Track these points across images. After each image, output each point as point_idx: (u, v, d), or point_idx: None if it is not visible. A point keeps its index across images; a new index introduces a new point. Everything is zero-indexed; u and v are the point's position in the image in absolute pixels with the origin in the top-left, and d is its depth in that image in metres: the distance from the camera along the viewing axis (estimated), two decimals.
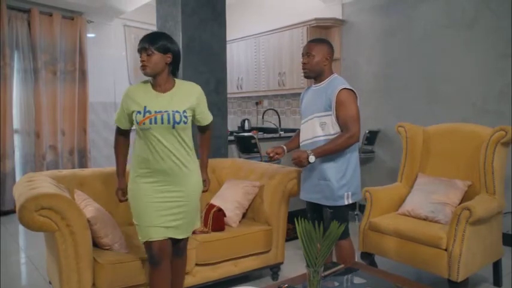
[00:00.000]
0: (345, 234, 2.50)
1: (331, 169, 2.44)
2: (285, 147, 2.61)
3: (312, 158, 2.33)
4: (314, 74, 2.52)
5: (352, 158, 2.48)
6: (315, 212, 2.61)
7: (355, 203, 4.70)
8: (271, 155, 2.53)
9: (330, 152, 2.39)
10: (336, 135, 2.40)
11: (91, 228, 2.24)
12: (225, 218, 2.80)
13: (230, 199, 2.92)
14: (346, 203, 2.46)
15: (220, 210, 2.78)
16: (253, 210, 3.03)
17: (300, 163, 2.35)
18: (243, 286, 2.15)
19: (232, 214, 2.85)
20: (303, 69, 2.53)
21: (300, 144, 2.61)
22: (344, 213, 2.49)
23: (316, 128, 2.47)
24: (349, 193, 2.46)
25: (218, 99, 3.80)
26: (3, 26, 4.89)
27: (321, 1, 5.19)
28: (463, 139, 3.01)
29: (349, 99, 2.39)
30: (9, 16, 5.00)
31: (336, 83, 2.45)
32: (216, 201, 2.96)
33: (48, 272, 2.60)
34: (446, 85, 4.13)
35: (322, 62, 2.48)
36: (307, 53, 2.50)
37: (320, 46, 2.49)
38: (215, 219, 2.74)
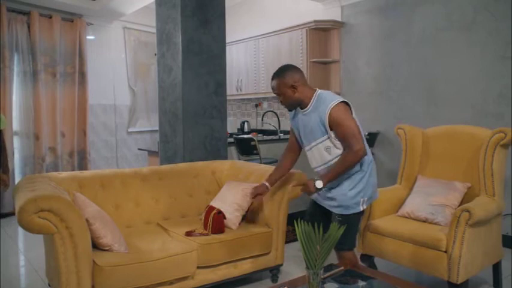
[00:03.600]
0: (350, 245, 2.38)
1: (343, 182, 2.34)
2: (267, 184, 2.61)
3: (318, 183, 2.27)
4: (295, 106, 2.41)
5: (370, 163, 2.37)
6: (324, 216, 2.43)
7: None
8: (253, 196, 2.61)
9: (338, 175, 2.29)
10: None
11: (90, 228, 2.23)
12: (224, 220, 2.80)
13: (230, 201, 2.92)
14: (361, 209, 2.34)
15: (220, 212, 2.78)
16: (253, 213, 3.02)
17: (307, 189, 2.33)
18: None
19: (231, 216, 2.85)
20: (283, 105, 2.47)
21: (314, 170, 2.48)
22: (353, 221, 2.35)
23: (323, 153, 2.35)
24: (365, 198, 2.35)
25: (218, 101, 3.80)
26: (3, 28, 4.89)
27: (320, 3, 5.20)
28: (462, 141, 3.02)
29: (341, 115, 2.22)
30: (9, 18, 5.01)
31: (323, 102, 2.29)
32: (215, 203, 2.96)
33: (48, 275, 2.59)
34: (445, 87, 4.14)
35: (292, 95, 2.33)
36: (276, 93, 2.40)
37: (280, 81, 2.33)
38: (215, 222, 2.74)
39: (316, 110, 2.31)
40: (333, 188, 2.36)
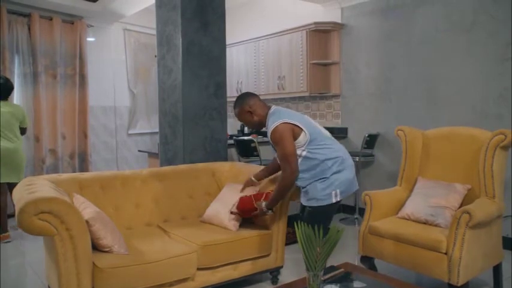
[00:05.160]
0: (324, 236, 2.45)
1: (311, 181, 2.48)
2: (252, 178, 2.90)
3: (269, 211, 2.64)
4: (259, 127, 2.67)
5: (334, 163, 2.46)
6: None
7: (355, 206, 4.71)
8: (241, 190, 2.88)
9: (278, 198, 2.58)
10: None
11: (90, 230, 2.23)
12: (232, 215, 2.82)
13: (230, 203, 2.92)
14: (334, 200, 2.44)
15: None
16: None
17: (261, 214, 2.68)
18: None
19: (232, 218, 2.85)
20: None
21: None
22: (325, 212, 2.44)
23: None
24: (337, 191, 2.44)
25: (218, 103, 3.80)
26: (3, 30, 4.90)
27: (320, 5, 5.21)
28: (462, 143, 3.02)
29: (277, 138, 2.43)
30: (9, 20, 5.01)
31: (268, 122, 2.52)
32: (215, 205, 2.96)
33: (47, 277, 2.59)
34: (445, 89, 4.14)
35: (251, 119, 2.63)
36: (239, 120, 2.72)
37: (238, 109, 2.65)
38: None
39: (267, 130, 2.54)
40: (308, 185, 2.50)
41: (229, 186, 3.13)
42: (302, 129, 2.44)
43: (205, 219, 2.98)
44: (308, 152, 2.45)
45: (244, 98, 2.67)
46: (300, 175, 2.50)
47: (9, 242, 4.05)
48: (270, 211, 2.66)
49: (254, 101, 2.64)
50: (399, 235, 2.70)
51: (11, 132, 4.09)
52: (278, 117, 2.46)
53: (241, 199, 2.80)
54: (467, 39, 3.95)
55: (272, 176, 2.94)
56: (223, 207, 2.88)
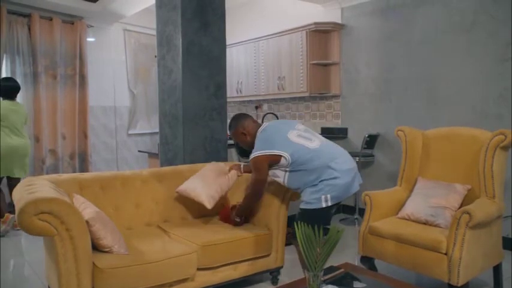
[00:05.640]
0: None
1: (305, 186, 2.57)
2: (241, 164, 3.10)
3: (237, 220, 2.87)
4: (251, 147, 2.73)
5: (322, 172, 2.50)
6: None
7: (355, 206, 4.71)
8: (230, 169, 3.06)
9: (243, 211, 2.84)
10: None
11: (90, 230, 2.22)
12: (210, 194, 2.88)
13: (211, 183, 2.93)
14: (324, 205, 2.47)
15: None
16: (253, 215, 3.02)
17: (235, 224, 2.88)
18: None
19: (211, 197, 2.86)
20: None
21: None
22: (315, 216, 2.43)
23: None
24: (328, 196, 2.47)
25: (218, 103, 3.80)
26: (3, 31, 4.90)
27: (320, 5, 5.21)
28: (462, 143, 3.02)
29: (253, 166, 2.62)
30: (9, 20, 5.02)
31: (254, 147, 2.67)
32: (195, 179, 2.98)
33: (47, 277, 2.59)
34: (445, 89, 4.14)
35: (245, 139, 2.79)
36: (235, 141, 2.92)
37: (233, 131, 2.84)
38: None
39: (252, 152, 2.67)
40: (303, 190, 2.61)
41: (213, 165, 3.16)
42: (282, 156, 2.54)
43: (182, 190, 2.96)
44: (293, 168, 2.57)
45: (237, 120, 2.82)
46: (293, 185, 2.64)
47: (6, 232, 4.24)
48: (237, 218, 2.87)
49: (248, 122, 2.80)
50: (399, 235, 2.70)
51: (21, 130, 4.40)
52: (260, 147, 2.60)
53: (224, 210, 3.04)
54: (467, 39, 3.95)
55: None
56: (202, 184, 2.89)
